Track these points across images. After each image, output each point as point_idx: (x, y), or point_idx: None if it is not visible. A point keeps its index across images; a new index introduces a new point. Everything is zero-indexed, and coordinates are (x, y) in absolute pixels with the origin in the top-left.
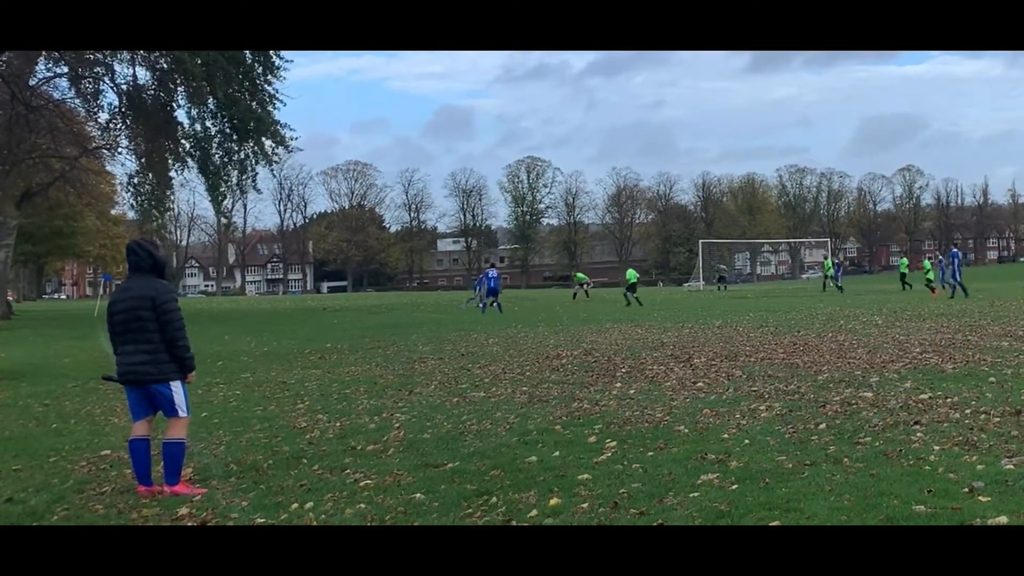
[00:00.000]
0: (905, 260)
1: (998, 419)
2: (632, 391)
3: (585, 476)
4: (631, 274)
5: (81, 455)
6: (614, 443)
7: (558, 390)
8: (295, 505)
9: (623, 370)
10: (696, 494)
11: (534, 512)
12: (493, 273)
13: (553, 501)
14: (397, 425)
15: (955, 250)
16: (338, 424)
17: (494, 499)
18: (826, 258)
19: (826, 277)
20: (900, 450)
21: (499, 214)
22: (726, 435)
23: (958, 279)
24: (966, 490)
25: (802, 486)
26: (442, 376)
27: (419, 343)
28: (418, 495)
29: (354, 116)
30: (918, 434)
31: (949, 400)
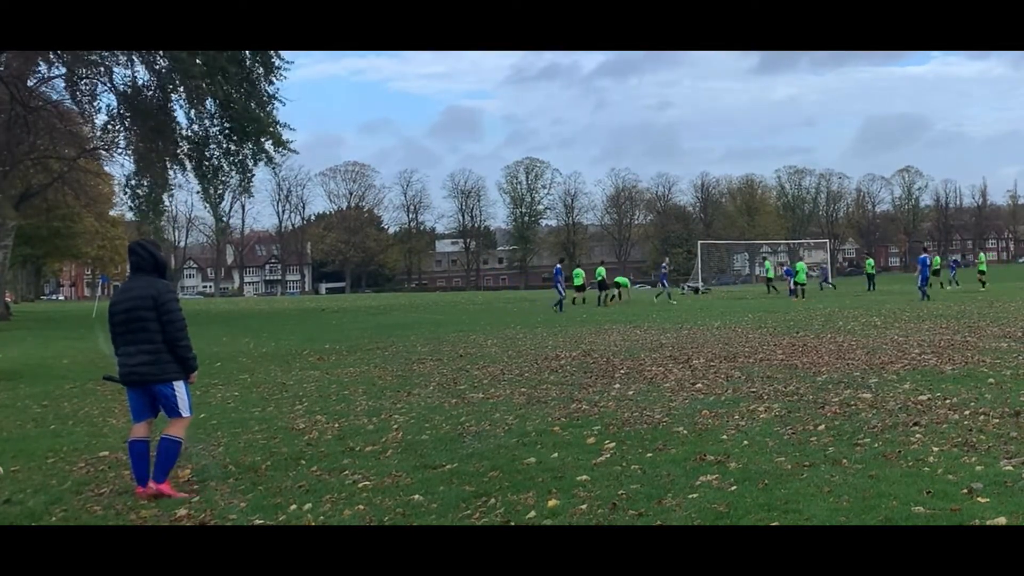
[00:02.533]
0: (871, 261)
1: (997, 420)
2: (631, 392)
3: (584, 477)
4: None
5: (79, 456)
6: (613, 444)
7: (557, 391)
8: (293, 506)
9: (622, 371)
10: (695, 495)
11: (532, 513)
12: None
13: (552, 502)
14: (395, 426)
15: (924, 255)
16: (336, 425)
17: (492, 500)
18: (765, 259)
19: (768, 280)
20: (899, 451)
21: (498, 215)
22: (725, 436)
23: (923, 284)
24: (965, 491)
25: (801, 487)
26: (440, 377)
27: (417, 344)
28: (416, 496)
29: (358, 117)
30: (917, 435)
31: (948, 401)
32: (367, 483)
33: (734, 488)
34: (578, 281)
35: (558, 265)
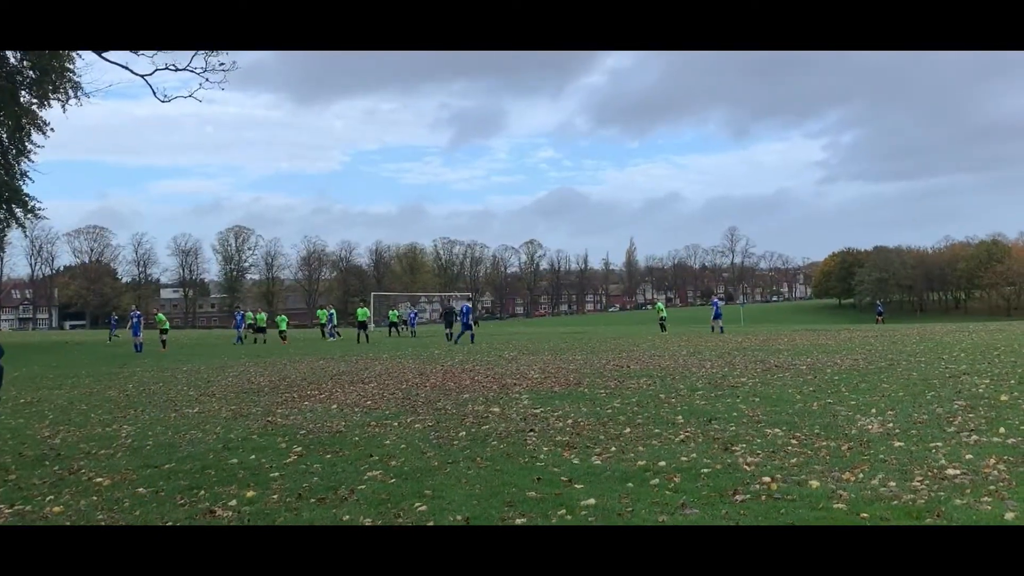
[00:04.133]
0: (661, 304)
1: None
2: (318, 408)
3: (276, 474)
4: (362, 312)
5: None
6: (300, 448)
7: (258, 408)
8: (38, 497)
9: (309, 392)
10: (363, 487)
11: (234, 501)
12: (466, 307)
13: (249, 493)
14: (125, 435)
15: (715, 299)
16: (78, 433)
17: (202, 492)
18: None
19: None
20: (518, 450)
21: (211, 270)
22: (388, 442)
23: (718, 321)
24: (565, 480)
25: (444, 479)
26: (166, 397)
27: (150, 370)
28: (141, 489)
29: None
30: (532, 439)
31: (556, 414)
32: (100, 479)
33: (393, 481)
34: (362, 318)
35: (467, 304)
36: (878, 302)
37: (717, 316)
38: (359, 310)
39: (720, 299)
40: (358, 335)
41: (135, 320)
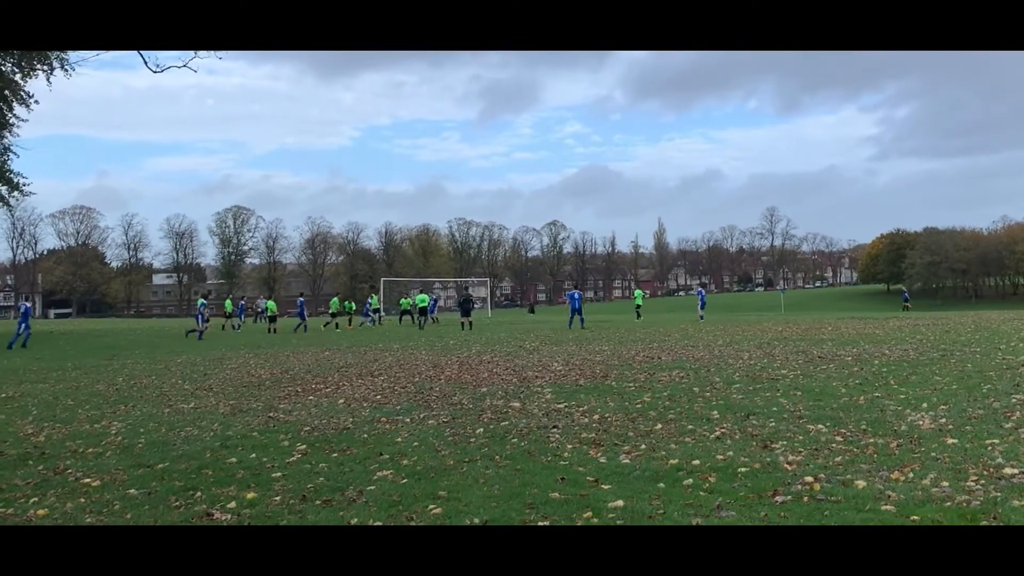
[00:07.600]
0: (640, 292)
1: (619, 423)
2: (325, 403)
3: (278, 474)
4: (421, 298)
5: None
6: (304, 446)
7: (259, 402)
8: (21, 499)
9: (313, 386)
10: (372, 487)
11: (233, 504)
12: (577, 294)
13: (250, 495)
14: (115, 432)
15: (700, 289)
16: (63, 430)
17: (199, 493)
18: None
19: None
20: (540, 448)
21: (208, 253)
22: (400, 439)
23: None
24: (592, 480)
25: (461, 479)
26: (159, 391)
27: (139, 362)
28: (132, 491)
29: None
30: (555, 435)
31: (581, 409)
32: (88, 480)
33: (405, 481)
34: (421, 304)
35: (577, 291)
36: (903, 289)
37: (702, 306)
38: (419, 296)
39: (703, 288)
40: (420, 321)
41: (201, 308)
